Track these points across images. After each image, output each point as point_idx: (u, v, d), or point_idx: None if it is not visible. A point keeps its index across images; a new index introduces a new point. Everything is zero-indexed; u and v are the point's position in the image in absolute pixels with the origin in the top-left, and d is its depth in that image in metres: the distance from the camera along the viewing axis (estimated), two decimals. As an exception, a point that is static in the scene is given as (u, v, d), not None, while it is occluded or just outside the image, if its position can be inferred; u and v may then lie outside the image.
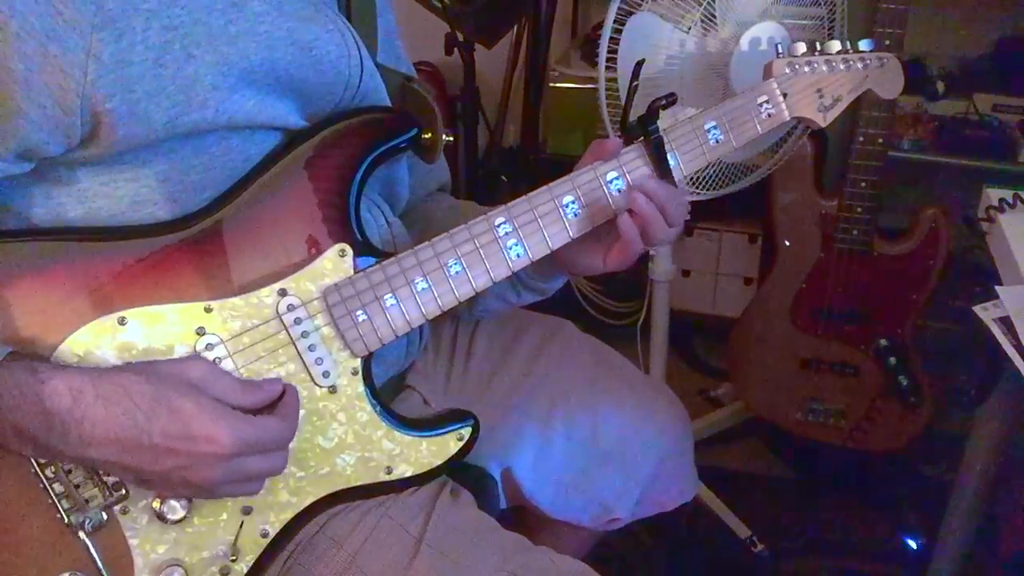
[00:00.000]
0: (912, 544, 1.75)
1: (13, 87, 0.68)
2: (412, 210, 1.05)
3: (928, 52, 1.96)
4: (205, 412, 0.73)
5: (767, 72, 0.94)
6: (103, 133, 0.72)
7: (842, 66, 0.95)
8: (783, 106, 0.93)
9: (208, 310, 0.79)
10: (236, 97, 0.76)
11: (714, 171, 1.33)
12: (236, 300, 0.80)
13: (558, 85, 2.12)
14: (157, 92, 0.72)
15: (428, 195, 1.10)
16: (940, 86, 1.91)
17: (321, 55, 0.81)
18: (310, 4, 0.82)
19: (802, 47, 0.94)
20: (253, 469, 0.77)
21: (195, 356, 0.79)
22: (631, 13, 1.24)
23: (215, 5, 0.74)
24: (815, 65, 0.94)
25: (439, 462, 0.88)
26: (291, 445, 0.81)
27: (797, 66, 0.94)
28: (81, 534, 0.77)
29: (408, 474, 0.88)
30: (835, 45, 0.95)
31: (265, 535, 0.83)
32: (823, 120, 0.96)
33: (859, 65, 0.96)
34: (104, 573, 0.78)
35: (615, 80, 1.29)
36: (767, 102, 0.93)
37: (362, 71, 0.86)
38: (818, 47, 0.95)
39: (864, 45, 0.97)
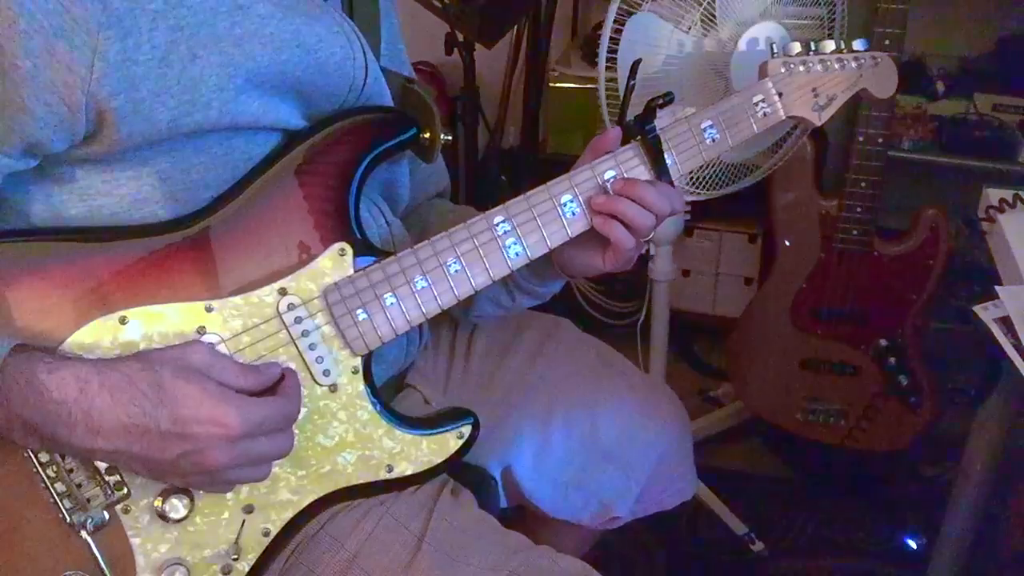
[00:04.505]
0: (912, 544, 1.75)
1: (20, 84, 0.68)
2: (411, 214, 1.05)
3: (928, 52, 1.96)
4: (211, 396, 0.73)
5: (762, 72, 0.95)
6: (106, 131, 0.72)
7: (836, 65, 0.96)
8: (778, 105, 0.94)
9: (209, 309, 0.79)
10: (241, 98, 0.76)
11: (714, 171, 1.34)
12: (237, 299, 0.80)
13: (558, 85, 2.13)
14: (162, 92, 0.72)
15: (427, 200, 1.10)
16: (940, 86, 1.91)
17: (326, 57, 0.81)
18: (315, 6, 0.82)
19: (797, 47, 0.95)
20: (261, 451, 0.77)
21: (195, 341, 0.78)
22: (631, 13, 1.24)
23: (220, 7, 0.74)
24: (810, 65, 0.95)
25: (439, 460, 0.88)
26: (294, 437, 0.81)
27: (792, 66, 0.94)
28: (83, 533, 0.77)
29: (409, 472, 0.88)
30: (829, 45, 0.96)
31: (267, 533, 0.83)
32: (818, 119, 0.97)
33: (853, 64, 0.97)
34: (106, 572, 0.78)
35: (615, 80, 1.29)
36: (763, 101, 0.93)
37: (366, 73, 0.86)
38: (812, 47, 0.95)
39: (858, 44, 0.97)
